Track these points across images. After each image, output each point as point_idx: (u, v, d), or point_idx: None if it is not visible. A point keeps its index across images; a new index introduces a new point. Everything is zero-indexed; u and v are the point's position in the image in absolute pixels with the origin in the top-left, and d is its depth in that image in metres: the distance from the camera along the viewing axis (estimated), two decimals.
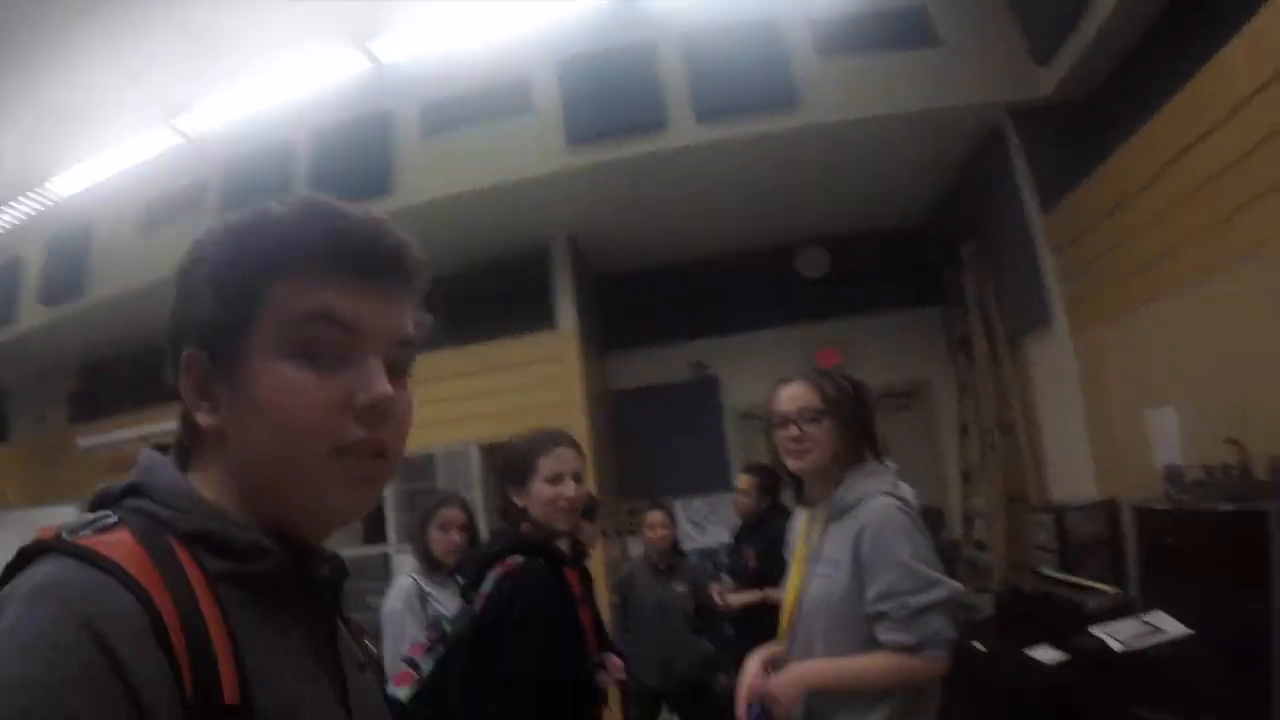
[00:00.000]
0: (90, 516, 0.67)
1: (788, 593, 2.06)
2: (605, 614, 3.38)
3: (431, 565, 3.08)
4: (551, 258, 5.96)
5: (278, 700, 0.65)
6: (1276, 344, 3.09)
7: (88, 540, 0.62)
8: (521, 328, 5.80)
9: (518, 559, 2.04)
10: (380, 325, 0.73)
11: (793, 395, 2.00)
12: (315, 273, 0.70)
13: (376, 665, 0.93)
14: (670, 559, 4.26)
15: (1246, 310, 3.23)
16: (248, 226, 0.72)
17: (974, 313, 5.60)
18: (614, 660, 2.57)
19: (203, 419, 0.73)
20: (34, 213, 6.67)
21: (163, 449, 0.78)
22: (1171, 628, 2.92)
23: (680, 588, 4.19)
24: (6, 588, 0.59)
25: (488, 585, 2.00)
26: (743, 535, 4.41)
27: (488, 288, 6.01)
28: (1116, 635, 2.99)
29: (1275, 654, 2.61)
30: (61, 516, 7.21)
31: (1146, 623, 3.01)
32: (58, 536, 0.63)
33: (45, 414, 8.19)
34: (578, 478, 2.15)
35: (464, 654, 1.99)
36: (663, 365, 6.75)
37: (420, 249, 0.76)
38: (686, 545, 5.19)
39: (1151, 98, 3.74)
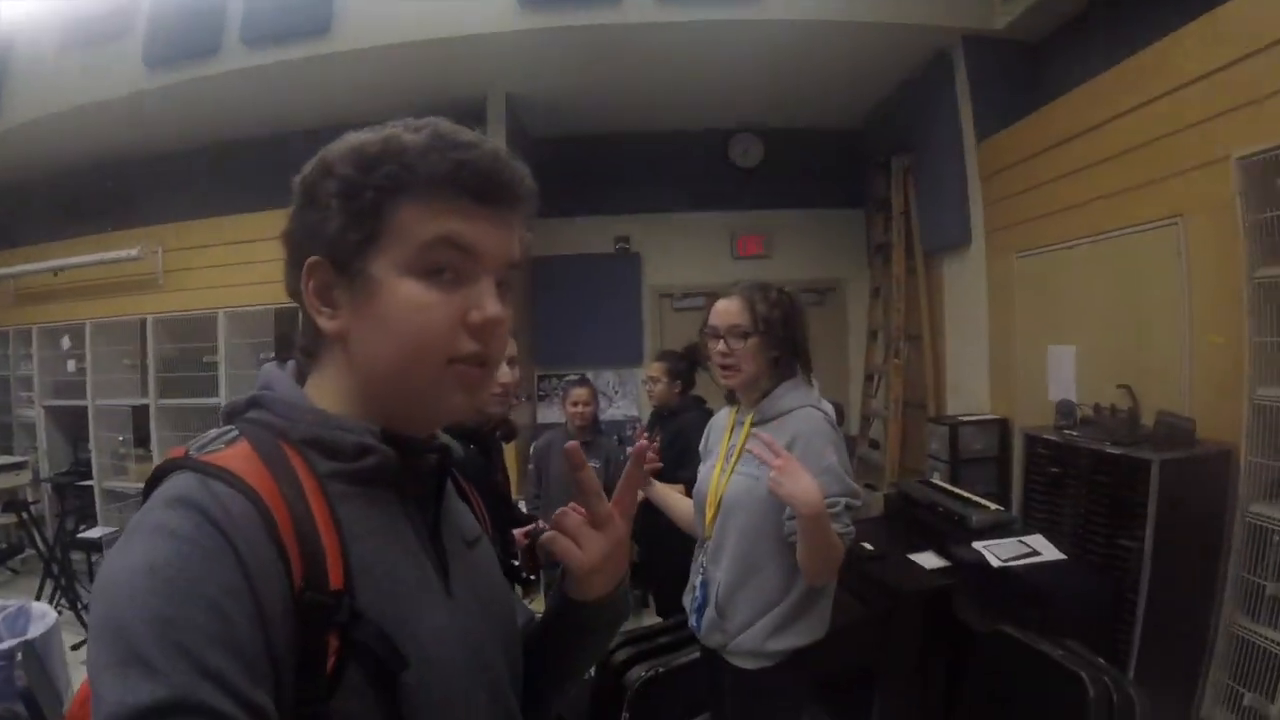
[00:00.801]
0: (216, 432, 0.76)
1: (710, 489, 2.17)
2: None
3: None
4: (487, 115, 5.66)
5: (380, 583, 0.73)
6: (1171, 306, 3.34)
7: (209, 457, 0.71)
8: None
9: None
10: (496, 249, 0.80)
11: (725, 310, 2.11)
12: (441, 199, 0.76)
13: (493, 536, 1.01)
14: (588, 435, 4.38)
15: (1151, 270, 3.46)
16: (378, 149, 0.76)
17: (897, 223, 5.75)
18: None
19: (323, 323, 0.79)
20: None
21: (284, 358, 0.85)
22: (1048, 552, 3.12)
23: (594, 463, 4.34)
24: (149, 500, 0.69)
25: None
26: (653, 422, 4.56)
27: None
28: (996, 552, 3.13)
29: (1142, 591, 2.90)
30: None
31: (1025, 544, 3.18)
32: (186, 454, 0.72)
33: None
34: (511, 363, 2.23)
35: None
36: (586, 236, 6.70)
37: (531, 177, 0.84)
38: None
39: (1101, 55, 3.83)
